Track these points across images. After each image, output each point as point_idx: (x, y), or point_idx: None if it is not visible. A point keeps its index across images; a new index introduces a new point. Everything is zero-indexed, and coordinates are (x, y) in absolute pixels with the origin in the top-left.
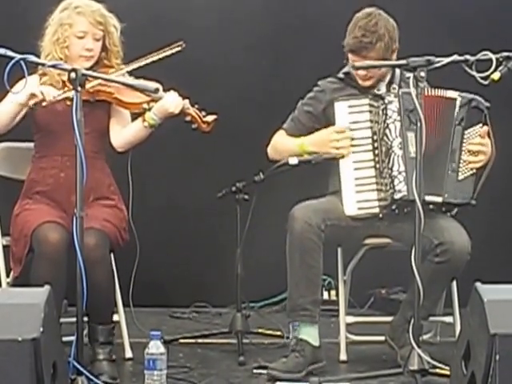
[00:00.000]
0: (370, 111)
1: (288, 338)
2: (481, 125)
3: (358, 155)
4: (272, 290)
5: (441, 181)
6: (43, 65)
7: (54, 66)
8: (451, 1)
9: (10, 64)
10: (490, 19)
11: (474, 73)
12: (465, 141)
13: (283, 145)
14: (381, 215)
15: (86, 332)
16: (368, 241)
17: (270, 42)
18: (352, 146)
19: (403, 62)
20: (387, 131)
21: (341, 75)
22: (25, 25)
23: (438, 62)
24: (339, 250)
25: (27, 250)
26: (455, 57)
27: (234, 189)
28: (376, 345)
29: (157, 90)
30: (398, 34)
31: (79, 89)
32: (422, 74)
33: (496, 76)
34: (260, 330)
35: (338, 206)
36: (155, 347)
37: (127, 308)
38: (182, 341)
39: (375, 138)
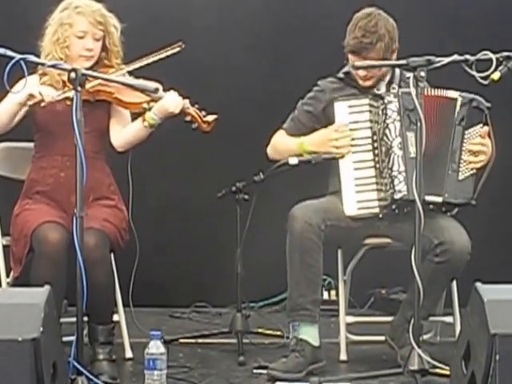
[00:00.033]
0: (370, 111)
1: (288, 337)
2: (481, 125)
3: (358, 155)
4: (272, 289)
5: (441, 181)
6: (43, 65)
7: (53, 66)
8: (451, 1)
9: (10, 64)
10: (489, 19)
11: (473, 73)
12: (465, 141)
13: (283, 145)
14: (381, 215)
15: (86, 332)
16: (368, 241)
17: (270, 42)
18: (352, 145)
19: (403, 61)
20: (387, 131)
21: (341, 75)
22: (25, 25)
23: (438, 61)
24: (339, 250)
25: (27, 249)
26: (455, 57)
27: (234, 189)
28: (376, 345)
29: (156, 90)
30: (398, 33)
31: (79, 89)
32: (422, 73)
33: (496, 76)
34: (260, 330)
35: (338, 206)
36: (155, 347)
37: (127, 308)
38: (181, 341)
39: (375, 137)
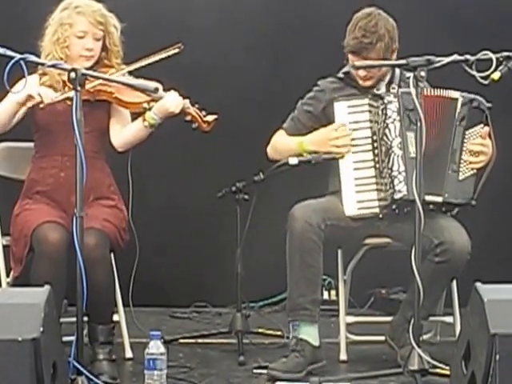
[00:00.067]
0: (370, 111)
1: (288, 337)
2: (482, 125)
3: (358, 155)
4: (272, 289)
5: (441, 181)
6: (43, 64)
7: (53, 66)
8: (451, 1)
9: (10, 64)
10: (489, 19)
11: (474, 72)
12: (466, 141)
13: (283, 144)
14: (381, 215)
15: (86, 332)
16: (368, 241)
17: (270, 42)
18: (352, 145)
19: (403, 61)
20: (387, 131)
21: (340, 75)
22: (25, 25)
23: (438, 61)
24: (339, 250)
25: (27, 249)
26: (455, 56)
27: (234, 189)
28: (376, 345)
29: (156, 90)
30: (398, 33)
31: (79, 88)
32: (422, 73)
33: (496, 76)
34: (260, 330)
35: (338, 205)
36: (155, 347)
37: (127, 308)
38: (181, 341)
39: (375, 137)
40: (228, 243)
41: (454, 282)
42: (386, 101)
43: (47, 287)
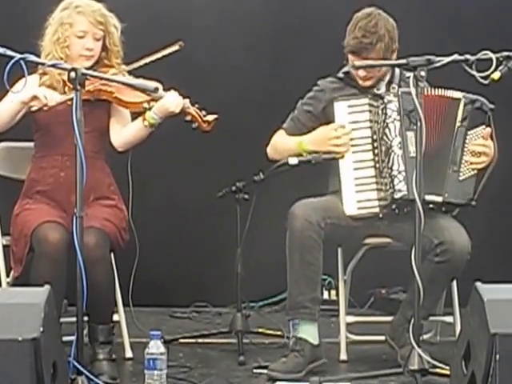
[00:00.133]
0: (370, 111)
1: (288, 337)
2: (484, 126)
3: (358, 155)
4: (272, 289)
5: (441, 180)
6: (43, 64)
7: (53, 66)
8: (451, 1)
9: (10, 63)
10: (489, 19)
11: (474, 72)
12: (467, 141)
13: (283, 144)
14: (381, 215)
15: (86, 332)
16: (368, 240)
17: (270, 42)
18: (352, 145)
19: (403, 61)
20: (387, 131)
21: (340, 75)
22: (25, 25)
23: (438, 61)
24: (339, 249)
25: (27, 249)
26: (455, 56)
27: (234, 189)
28: (376, 344)
29: (156, 90)
30: (398, 33)
31: (79, 88)
32: (423, 73)
33: (496, 75)
34: (260, 330)
35: (338, 205)
36: (155, 347)
37: (127, 308)
38: (181, 341)
39: (375, 137)
40: (228, 243)
41: (454, 282)
42: (385, 100)
43: (47, 287)
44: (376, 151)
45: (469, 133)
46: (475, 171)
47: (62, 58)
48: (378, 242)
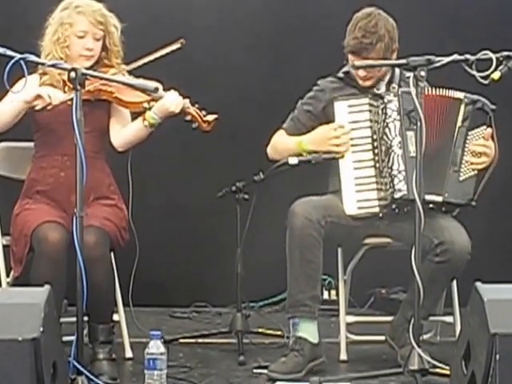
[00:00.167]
0: (370, 111)
1: (288, 337)
2: (485, 127)
3: (358, 155)
4: (272, 289)
5: (441, 180)
6: (43, 64)
7: (53, 66)
8: (451, 1)
9: (10, 63)
10: (489, 19)
11: (474, 72)
12: (468, 142)
13: (282, 144)
14: (381, 214)
15: (86, 332)
16: (368, 240)
17: (270, 42)
18: (352, 145)
19: (403, 61)
20: (387, 130)
21: (340, 75)
22: (25, 25)
23: (438, 61)
24: (339, 249)
25: (27, 249)
26: (455, 56)
27: (233, 188)
28: (376, 344)
29: (156, 89)
30: (398, 33)
31: (79, 88)
32: (423, 73)
33: (496, 75)
34: (260, 330)
35: (338, 204)
36: (155, 347)
37: (127, 308)
38: (181, 341)
39: (375, 137)
40: (228, 243)
41: (454, 282)
42: (385, 100)
43: (47, 287)
44: (376, 151)
45: (470, 133)
46: (475, 171)
47: (62, 58)
48: (378, 242)
